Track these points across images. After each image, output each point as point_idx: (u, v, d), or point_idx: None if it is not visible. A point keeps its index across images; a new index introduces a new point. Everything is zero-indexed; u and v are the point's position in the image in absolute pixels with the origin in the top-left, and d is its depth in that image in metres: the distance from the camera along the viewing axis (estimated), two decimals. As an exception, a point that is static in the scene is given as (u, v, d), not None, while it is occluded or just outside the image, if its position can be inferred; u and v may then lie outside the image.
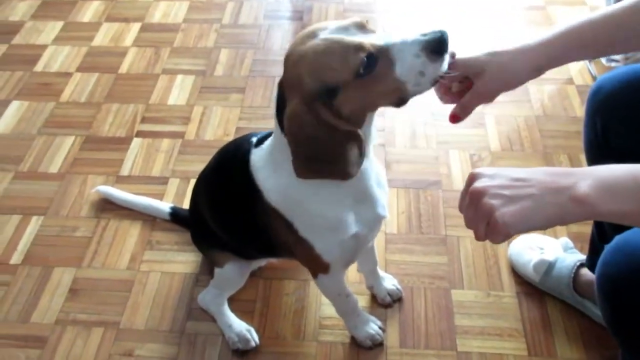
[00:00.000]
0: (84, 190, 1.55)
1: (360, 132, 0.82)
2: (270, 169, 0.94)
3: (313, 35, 0.80)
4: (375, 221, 1.00)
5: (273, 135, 0.93)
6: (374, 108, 0.85)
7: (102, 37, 2.03)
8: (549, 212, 0.64)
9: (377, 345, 1.20)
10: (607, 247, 0.82)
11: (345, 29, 0.80)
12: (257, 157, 0.96)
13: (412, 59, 0.77)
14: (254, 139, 1.00)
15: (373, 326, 1.21)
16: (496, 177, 0.68)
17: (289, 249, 1.02)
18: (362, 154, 0.84)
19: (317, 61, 0.78)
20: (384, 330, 1.22)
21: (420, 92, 0.81)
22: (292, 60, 0.81)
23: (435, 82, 0.80)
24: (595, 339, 1.20)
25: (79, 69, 1.92)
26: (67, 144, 1.68)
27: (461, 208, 0.72)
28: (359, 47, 0.77)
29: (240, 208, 1.02)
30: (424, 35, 0.77)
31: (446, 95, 0.92)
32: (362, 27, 0.81)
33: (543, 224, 0.65)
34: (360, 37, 0.79)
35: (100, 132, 1.71)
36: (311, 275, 1.08)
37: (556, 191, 0.64)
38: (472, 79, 0.88)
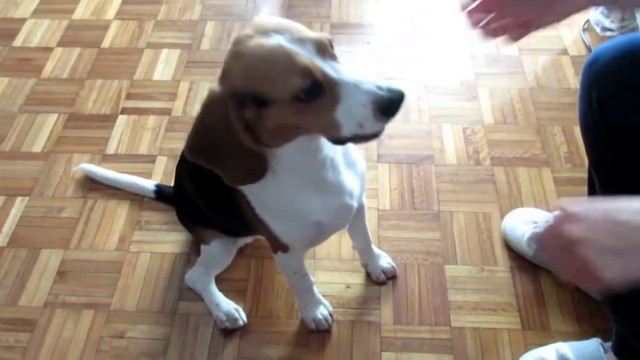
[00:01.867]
0: (69, 169, 1.51)
1: (266, 153, 0.79)
2: None
3: (266, 32, 0.73)
4: (340, 210, 0.95)
5: None
6: (307, 134, 0.78)
7: (83, 10, 1.96)
8: None
9: (323, 331, 1.18)
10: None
11: (302, 43, 0.72)
12: None
13: (357, 106, 0.71)
14: None
15: (323, 310, 1.18)
16: (598, 224, 0.62)
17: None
18: (261, 171, 0.80)
19: (256, 66, 0.72)
20: (333, 320, 1.20)
21: (356, 140, 0.76)
22: (234, 52, 0.75)
23: (373, 138, 0.75)
24: (589, 312, 1.20)
25: (60, 44, 1.85)
26: (50, 121, 1.63)
27: (543, 241, 0.67)
28: (307, 72, 0.70)
29: (217, 182, 0.99)
30: (380, 88, 0.70)
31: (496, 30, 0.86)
32: (322, 48, 0.73)
33: None
34: (316, 59, 0.71)
35: (84, 109, 1.66)
36: (271, 249, 1.05)
37: None
38: None
